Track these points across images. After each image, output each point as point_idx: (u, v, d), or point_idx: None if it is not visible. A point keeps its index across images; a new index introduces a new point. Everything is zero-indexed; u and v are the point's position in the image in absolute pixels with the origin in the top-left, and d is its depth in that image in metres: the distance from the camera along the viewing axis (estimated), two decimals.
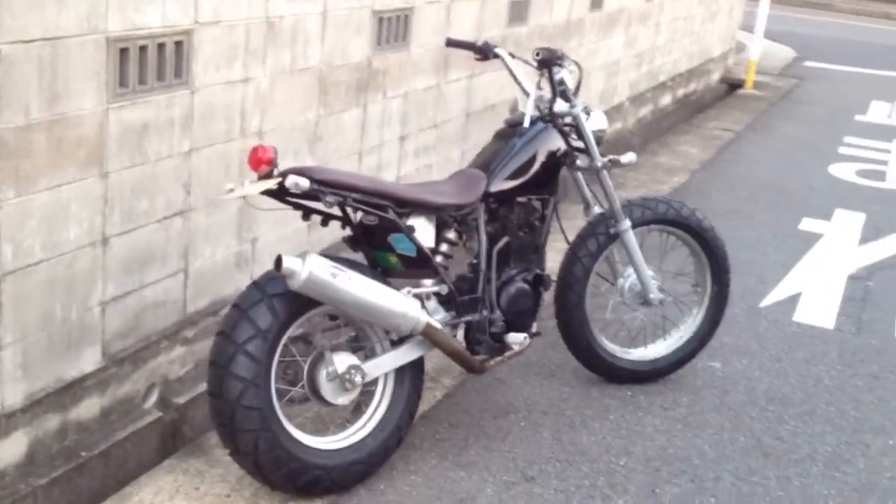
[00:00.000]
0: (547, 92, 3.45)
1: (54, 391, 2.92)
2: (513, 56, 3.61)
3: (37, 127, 2.66)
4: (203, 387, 3.47)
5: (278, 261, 2.65)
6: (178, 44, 3.12)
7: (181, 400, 3.38)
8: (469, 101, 5.35)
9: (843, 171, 7.68)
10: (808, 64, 14.31)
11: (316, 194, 2.71)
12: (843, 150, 8.53)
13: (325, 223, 2.97)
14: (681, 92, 10.42)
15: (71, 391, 2.98)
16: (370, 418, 3.01)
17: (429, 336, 2.99)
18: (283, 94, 3.71)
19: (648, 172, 6.97)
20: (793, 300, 4.77)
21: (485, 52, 3.64)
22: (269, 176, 2.69)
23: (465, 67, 5.19)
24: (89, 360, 3.04)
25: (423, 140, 4.89)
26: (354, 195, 2.77)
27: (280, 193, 2.76)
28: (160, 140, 3.13)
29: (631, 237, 3.60)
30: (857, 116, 10.33)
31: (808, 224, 6.07)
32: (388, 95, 4.46)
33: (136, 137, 3.03)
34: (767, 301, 4.76)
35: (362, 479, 2.96)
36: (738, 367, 4.03)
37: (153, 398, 3.34)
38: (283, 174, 2.69)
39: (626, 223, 3.59)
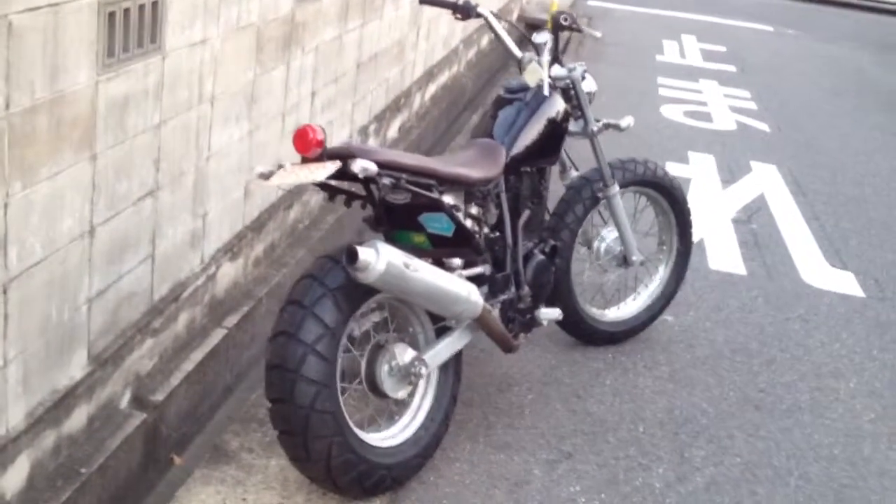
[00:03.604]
0: (534, 54, 3.33)
1: (52, 404, 2.58)
2: (496, 16, 3.47)
3: (41, 108, 2.31)
4: (175, 381, 3.21)
5: (353, 253, 2.43)
6: (154, 4, 2.78)
7: (159, 397, 3.08)
8: (360, 51, 5.14)
9: (673, 113, 8.03)
10: (590, 3, 14.80)
11: (373, 178, 2.50)
12: (662, 91, 8.90)
13: (348, 203, 2.76)
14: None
15: (64, 402, 2.65)
16: (419, 409, 2.86)
17: (482, 320, 2.86)
18: (231, 55, 3.41)
19: None
20: (700, 248, 4.95)
21: (466, 12, 3.46)
22: (319, 158, 2.45)
23: (358, 16, 4.97)
24: (78, 365, 2.71)
25: (327, 95, 4.66)
26: (405, 175, 2.58)
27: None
28: (137, 114, 2.80)
29: (619, 200, 3.60)
30: (658, 57, 10.81)
31: (673, 169, 6.28)
32: (305, 50, 4.20)
33: (119, 113, 2.69)
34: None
35: (416, 474, 2.82)
36: (689, 319, 4.17)
37: (126, 398, 3.03)
38: (336, 156, 2.46)
39: (616, 187, 3.58)
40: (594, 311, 3.84)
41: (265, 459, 2.81)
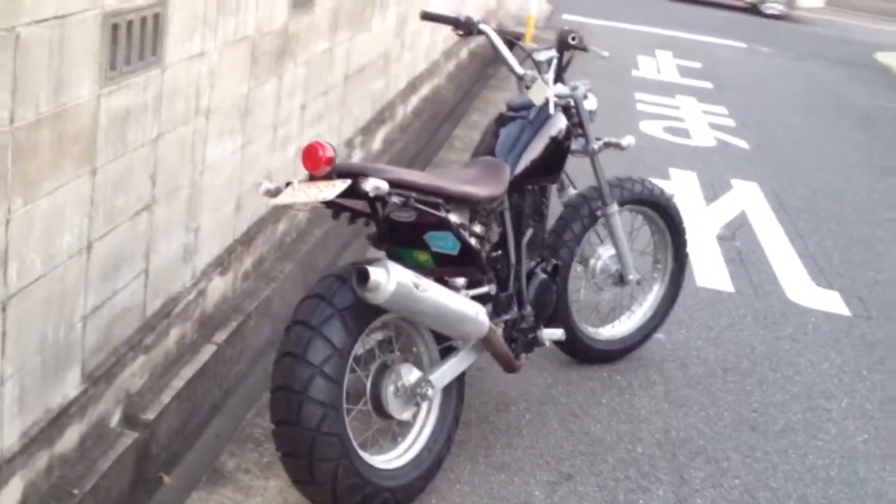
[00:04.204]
0: (532, 72, 3.31)
1: (46, 424, 2.52)
2: (498, 32, 3.44)
3: (45, 122, 2.26)
4: (166, 398, 3.16)
5: (364, 274, 2.39)
6: (156, 16, 2.74)
7: (149, 416, 3.02)
8: (348, 63, 5.10)
9: (652, 129, 8.06)
10: (566, 17, 14.85)
11: (383, 196, 2.46)
12: (640, 107, 8.92)
13: (352, 220, 2.72)
14: (472, 44, 10.50)
15: (58, 421, 2.59)
16: (421, 430, 2.82)
17: (488, 340, 2.84)
18: (227, 68, 3.36)
19: None
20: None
21: (468, 28, 3.43)
22: (328, 176, 2.41)
23: (348, 28, 4.94)
24: (72, 384, 2.65)
25: (316, 108, 4.62)
26: (413, 194, 2.55)
27: None
28: (137, 127, 2.75)
29: (617, 219, 3.59)
30: (634, 72, 10.85)
31: None
32: (297, 62, 4.16)
33: (119, 127, 2.64)
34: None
35: (419, 496, 2.78)
36: (681, 337, 4.16)
37: (117, 416, 2.97)
38: (346, 174, 2.42)
39: (615, 206, 3.56)
40: (589, 330, 3.82)
41: (263, 480, 2.76)
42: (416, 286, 2.49)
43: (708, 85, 10.69)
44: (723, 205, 6.15)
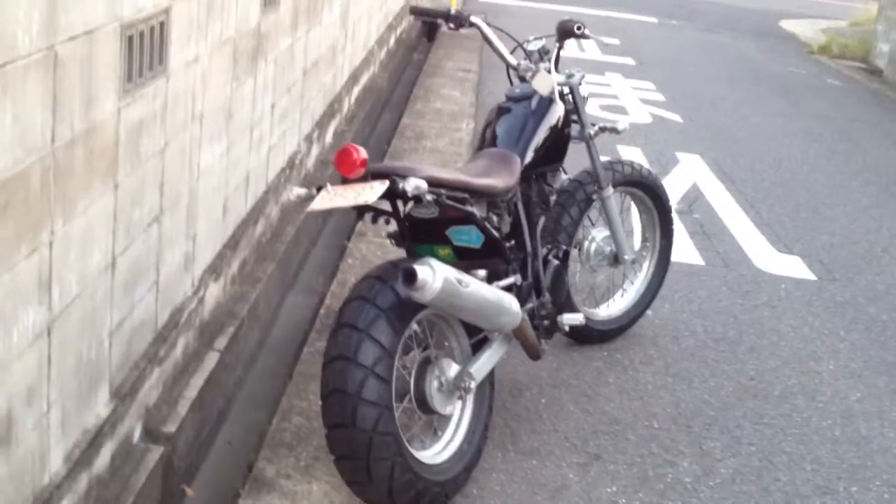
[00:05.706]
0: (526, 61, 3.36)
1: (85, 445, 2.48)
2: (488, 24, 3.46)
3: (78, 140, 2.21)
4: (182, 410, 3.13)
5: (412, 273, 2.39)
6: (161, 25, 2.70)
7: (170, 428, 2.99)
8: (306, 59, 5.07)
9: (590, 108, 8.16)
10: None
11: (420, 195, 2.47)
12: None
13: (374, 220, 2.72)
14: (399, 30, 10.50)
15: (94, 442, 2.55)
16: (459, 423, 2.85)
17: (519, 330, 2.87)
18: (215, 71, 3.33)
19: (437, 119, 7.00)
20: None
21: (459, 21, 3.45)
22: (362, 179, 2.41)
23: (305, 23, 4.90)
24: (102, 403, 2.61)
25: (282, 105, 4.59)
26: (443, 191, 2.56)
27: None
28: (148, 139, 2.71)
29: (613, 202, 3.65)
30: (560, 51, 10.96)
31: None
32: (268, 60, 4.13)
33: (135, 139, 2.60)
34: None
35: (462, 487, 2.81)
36: (666, 312, 4.26)
37: (139, 431, 2.93)
38: (380, 176, 2.42)
39: (610, 189, 3.62)
40: (587, 311, 3.87)
41: (306, 485, 2.75)
42: (460, 282, 2.51)
43: (630, 61, 10.88)
44: (674, 179, 6.30)
